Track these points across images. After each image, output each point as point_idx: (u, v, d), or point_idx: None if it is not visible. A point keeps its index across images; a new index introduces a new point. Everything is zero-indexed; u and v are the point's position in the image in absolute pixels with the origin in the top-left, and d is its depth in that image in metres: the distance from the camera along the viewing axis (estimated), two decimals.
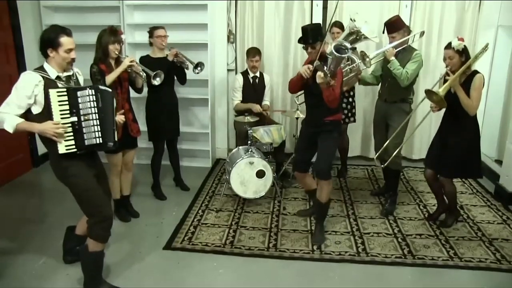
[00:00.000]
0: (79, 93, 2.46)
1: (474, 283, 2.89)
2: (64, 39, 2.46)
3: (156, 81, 3.61)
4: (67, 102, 2.44)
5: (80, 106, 2.46)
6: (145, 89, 3.99)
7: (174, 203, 4.14)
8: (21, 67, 4.64)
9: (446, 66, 3.24)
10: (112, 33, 3.35)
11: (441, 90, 3.10)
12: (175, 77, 4.12)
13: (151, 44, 4.00)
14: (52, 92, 2.41)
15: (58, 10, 5.10)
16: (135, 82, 3.62)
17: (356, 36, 3.61)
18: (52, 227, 3.51)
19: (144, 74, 3.53)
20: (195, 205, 4.07)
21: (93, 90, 2.49)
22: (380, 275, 2.97)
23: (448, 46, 3.20)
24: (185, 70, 4.07)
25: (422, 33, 3.90)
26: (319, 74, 2.98)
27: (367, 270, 3.02)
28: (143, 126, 4.01)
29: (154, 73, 3.59)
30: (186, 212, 3.91)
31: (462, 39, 3.15)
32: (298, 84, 3.35)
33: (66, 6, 5.00)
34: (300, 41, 3.33)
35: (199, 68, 4.01)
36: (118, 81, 3.39)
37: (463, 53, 3.16)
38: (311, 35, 3.19)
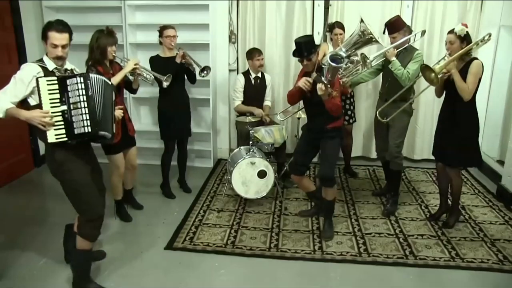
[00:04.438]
0: (68, 81, 2.41)
1: (476, 284, 2.88)
2: (51, 33, 2.43)
3: (166, 83, 3.66)
4: (57, 91, 2.40)
5: (70, 94, 2.40)
6: (156, 89, 4.06)
7: (176, 203, 4.15)
8: None
9: (447, 50, 3.27)
10: (109, 35, 3.35)
11: (437, 68, 3.13)
12: (186, 77, 4.13)
13: (160, 43, 3.99)
14: (42, 81, 2.37)
15: (60, 10, 5.11)
16: (131, 83, 3.62)
17: (370, 38, 3.59)
18: (53, 227, 3.51)
19: (150, 76, 3.54)
20: (197, 205, 4.07)
21: (81, 78, 2.43)
22: (382, 275, 2.97)
23: (451, 31, 3.23)
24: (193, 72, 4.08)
25: (423, 32, 3.89)
26: (320, 86, 2.97)
27: (369, 271, 3.02)
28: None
29: (165, 77, 3.62)
30: (188, 212, 3.91)
31: (465, 25, 3.17)
32: (297, 96, 3.37)
33: (68, 6, 5.01)
34: (294, 54, 3.29)
35: (205, 72, 3.96)
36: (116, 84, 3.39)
37: (465, 39, 3.18)
38: (306, 48, 3.17)
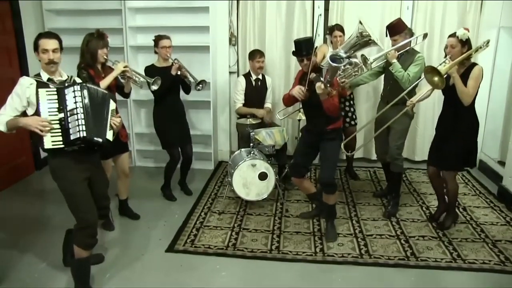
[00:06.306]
0: (66, 91, 2.50)
1: (477, 285, 2.87)
2: (40, 41, 2.52)
3: (154, 87, 3.61)
4: (56, 101, 2.49)
5: (67, 102, 2.49)
6: (152, 97, 4.02)
7: (177, 205, 4.14)
8: (24, 71, 4.64)
9: (446, 55, 3.26)
10: (100, 38, 3.31)
11: (442, 70, 3.10)
12: (181, 87, 4.12)
13: (156, 52, 3.98)
14: (42, 91, 2.47)
15: (60, 13, 5.12)
16: (123, 87, 3.57)
17: (368, 40, 3.59)
18: (54, 230, 3.51)
19: (140, 79, 3.51)
20: (198, 208, 4.07)
21: (78, 86, 2.52)
22: (383, 277, 2.96)
23: (453, 35, 3.22)
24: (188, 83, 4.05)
25: (425, 36, 3.88)
26: (319, 85, 2.99)
27: (370, 272, 3.02)
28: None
29: (153, 80, 3.57)
30: (189, 215, 3.91)
31: (467, 29, 3.16)
32: (291, 100, 3.40)
33: (69, 9, 5.02)
34: (294, 53, 3.33)
35: (200, 86, 3.97)
36: (107, 88, 3.31)
37: (466, 44, 3.17)
38: (305, 48, 3.21)
